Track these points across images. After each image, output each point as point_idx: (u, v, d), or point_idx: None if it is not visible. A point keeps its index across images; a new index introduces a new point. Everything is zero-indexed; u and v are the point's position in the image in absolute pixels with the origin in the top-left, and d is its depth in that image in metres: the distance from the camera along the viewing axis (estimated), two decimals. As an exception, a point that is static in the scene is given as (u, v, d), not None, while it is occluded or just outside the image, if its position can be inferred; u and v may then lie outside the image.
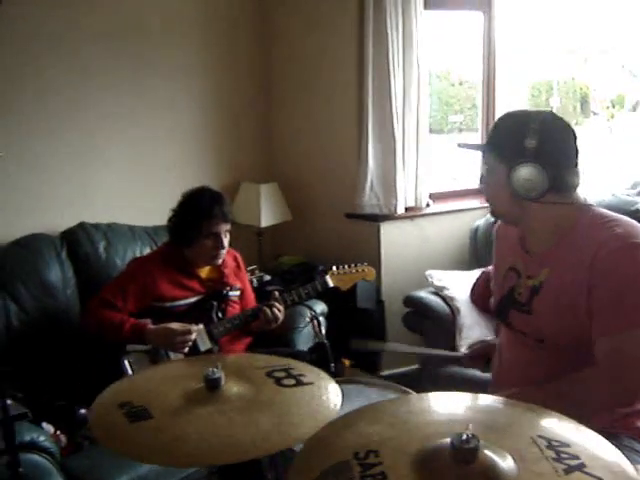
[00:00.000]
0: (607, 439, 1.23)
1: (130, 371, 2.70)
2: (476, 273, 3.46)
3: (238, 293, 3.09)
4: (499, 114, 4.18)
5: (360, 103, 3.81)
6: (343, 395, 1.63)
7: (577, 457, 1.15)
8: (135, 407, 1.57)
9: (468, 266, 3.82)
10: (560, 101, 5.02)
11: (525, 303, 1.91)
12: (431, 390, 1.46)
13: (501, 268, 2.07)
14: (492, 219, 3.83)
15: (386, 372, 3.79)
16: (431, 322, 3.42)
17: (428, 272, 3.59)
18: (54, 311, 3.03)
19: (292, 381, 1.69)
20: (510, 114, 1.94)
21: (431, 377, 3.24)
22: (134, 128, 3.64)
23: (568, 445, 1.18)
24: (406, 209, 3.92)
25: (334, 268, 3.11)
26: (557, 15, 4.47)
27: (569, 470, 1.12)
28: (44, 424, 2.55)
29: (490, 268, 2.42)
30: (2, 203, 3.15)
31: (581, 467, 1.12)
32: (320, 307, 3.35)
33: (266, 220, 3.97)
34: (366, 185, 3.82)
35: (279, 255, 4.19)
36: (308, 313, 3.24)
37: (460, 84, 5.02)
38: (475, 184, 4.35)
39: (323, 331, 2.76)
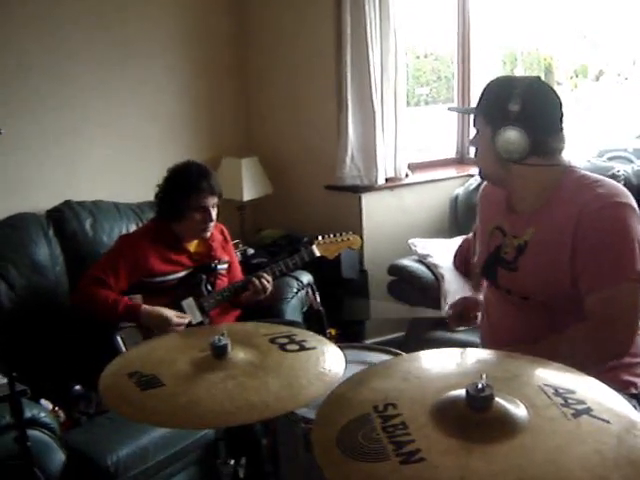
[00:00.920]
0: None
1: (123, 347, 2.73)
2: (458, 240, 3.52)
3: (226, 266, 3.12)
4: (474, 85, 4.27)
5: (339, 75, 3.83)
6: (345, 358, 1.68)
7: (583, 402, 1.22)
8: (145, 376, 1.61)
9: (448, 234, 3.89)
10: (524, 72, 5.07)
11: (511, 261, 1.97)
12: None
13: (487, 228, 2.12)
14: (471, 187, 3.91)
15: (371, 340, 3.85)
16: (416, 290, 3.47)
17: (411, 240, 3.65)
18: (43, 289, 3.03)
19: (295, 346, 1.74)
20: (498, 79, 1.99)
21: (417, 342, 3.31)
22: (116, 106, 3.64)
23: (573, 392, 1.25)
24: (386, 180, 3.97)
25: (320, 237, 3.16)
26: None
27: (577, 414, 1.18)
28: (42, 401, 2.57)
29: (471, 235, 2.48)
30: (-13, 183, 3.15)
31: (588, 411, 1.19)
32: (306, 277, 3.39)
33: (248, 194, 3.99)
34: (346, 157, 3.85)
35: (261, 229, 4.23)
36: (295, 284, 3.29)
37: (425, 57, 5.03)
38: (451, 154, 4.46)
39: (318, 299, 2.79)
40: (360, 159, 3.88)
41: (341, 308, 3.16)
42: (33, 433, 2.22)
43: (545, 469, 1.07)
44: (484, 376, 1.17)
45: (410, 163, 4.14)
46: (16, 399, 1.89)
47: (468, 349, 1.50)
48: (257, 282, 2.96)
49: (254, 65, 4.24)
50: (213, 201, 2.93)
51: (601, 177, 1.90)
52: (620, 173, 3.47)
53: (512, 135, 1.84)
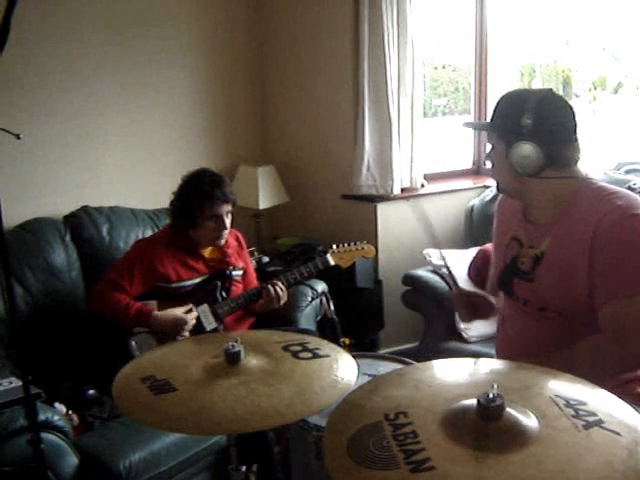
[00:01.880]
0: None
1: (137, 352, 2.74)
2: (473, 251, 3.52)
3: (241, 273, 3.13)
4: (491, 97, 4.27)
5: (356, 85, 3.84)
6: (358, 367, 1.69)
7: (594, 414, 1.22)
8: (158, 381, 1.62)
9: (464, 245, 3.88)
10: (542, 84, 5.06)
11: (528, 272, 1.96)
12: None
13: (503, 239, 2.12)
14: (487, 199, 3.90)
15: (385, 350, 3.85)
16: (430, 300, 3.47)
17: (426, 251, 3.64)
18: (59, 293, 3.06)
19: (309, 354, 1.74)
20: (510, 93, 1.99)
21: (431, 353, 3.30)
22: (135, 113, 3.67)
23: (585, 403, 1.25)
24: (402, 190, 3.97)
25: (334, 246, 3.16)
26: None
27: (588, 426, 1.18)
28: (56, 404, 2.59)
29: (488, 246, 2.47)
30: (6, 188, 3.16)
31: (599, 423, 1.19)
32: (321, 286, 3.39)
33: (264, 202, 4.00)
34: (363, 166, 3.86)
35: (277, 237, 4.24)
36: (310, 292, 3.29)
37: (443, 67, 5.04)
38: (467, 165, 4.46)
39: (332, 307, 2.80)
40: (376, 169, 3.88)
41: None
42: (46, 436, 2.24)
43: (555, 480, 1.07)
44: (495, 386, 1.18)
45: (426, 173, 4.14)
46: (31, 402, 1.90)
47: (480, 359, 1.50)
48: (271, 290, 2.97)
49: (272, 74, 4.26)
50: (227, 209, 2.95)
51: (619, 189, 1.90)
52: (636, 186, 3.45)
53: (526, 150, 1.84)
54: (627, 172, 3.82)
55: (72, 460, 2.36)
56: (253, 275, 3.26)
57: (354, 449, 1.18)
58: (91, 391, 2.75)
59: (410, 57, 3.82)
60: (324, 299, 2.94)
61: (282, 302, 3.02)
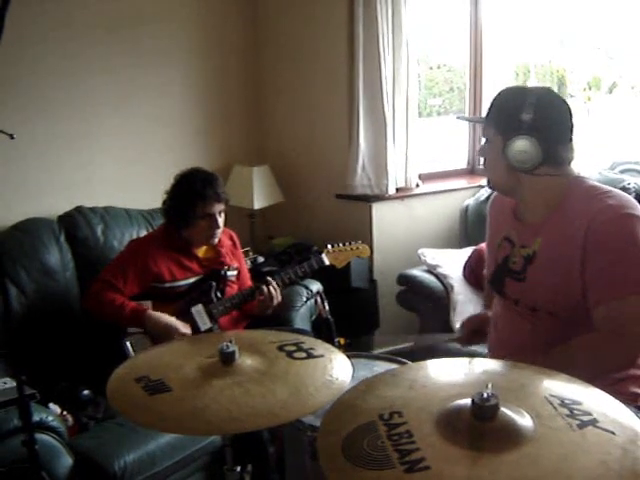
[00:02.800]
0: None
1: (132, 352, 2.74)
2: (467, 251, 3.53)
3: (235, 273, 3.13)
4: (486, 97, 4.27)
5: (350, 85, 3.84)
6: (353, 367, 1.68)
7: (589, 413, 1.21)
8: (152, 381, 1.61)
9: (458, 245, 3.89)
10: (537, 84, 5.06)
11: (519, 271, 1.96)
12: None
13: (495, 239, 2.12)
14: (481, 198, 3.91)
15: (379, 350, 3.84)
16: (425, 300, 3.48)
17: (421, 251, 3.65)
18: (54, 294, 3.05)
19: (303, 354, 1.73)
20: (509, 89, 1.99)
21: (425, 353, 3.30)
22: (129, 113, 3.67)
23: (579, 403, 1.25)
24: (396, 189, 3.97)
25: (329, 246, 3.17)
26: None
27: (583, 425, 1.18)
28: (51, 405, 2.58)
29: (482, 245, 2.47)
30: (0, 188, 3.17)
31: (594, 422, 1.19)
32: (316, 286, 3.39)
33: (258, 202, 4.00)
34: (357, 166, 3.86)
35: (271, 237, 4.24)
36: (305, 292, 3.29)
37: (438, 68, 5.04)
38: (462, 165, 4.47)
39: (327, 307, 2.80)
40: (371, 168, 3.88)
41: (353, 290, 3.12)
42: (41, 437, 2.23)
43: (550, 479, 1.07)
44: (490, 386, 1.18)
45: (421, 173, 4.15)
46: (25, 402, 1.89)
47: (475, 359, 1.49)
48: (265, 289, 2.97)
49: (266, 74, 4.26)
50: (220, 208, 2.94)
51: (611, 188, 1.90)
52: (630, 186, 3.47)
53: (524, 144, 1.84)
54: (622, 172, 3.83)
55: (67, 461, 2.35)
56: (247, 275, 3.26)
57: (349, 449, 1.18)
58: (86, 392, 2.74)
59: (405, 57, 3.83)
60: (319, 299, 2.94)
61: (276, 302, 3.01)
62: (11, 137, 1.76)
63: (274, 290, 2.98)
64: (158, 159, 3.76)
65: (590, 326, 1.81)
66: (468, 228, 3.98)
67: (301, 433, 1.77)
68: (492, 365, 1.49)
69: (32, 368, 2.46)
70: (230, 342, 1.66)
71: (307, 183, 4.25)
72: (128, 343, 2.76)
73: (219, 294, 3.00)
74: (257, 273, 3.46)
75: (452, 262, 3.51)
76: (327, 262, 3.13)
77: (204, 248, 3.05)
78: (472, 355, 2.50)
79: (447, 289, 3.42)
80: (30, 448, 1.90)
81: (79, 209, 3.29)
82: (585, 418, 1.20)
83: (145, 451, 2.47)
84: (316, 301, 3.03)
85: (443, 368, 1.49)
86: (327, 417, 1.30)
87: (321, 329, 2.76)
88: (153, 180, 3.52)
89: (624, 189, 3.35)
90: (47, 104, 3.34)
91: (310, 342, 1.82)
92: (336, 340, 3.22)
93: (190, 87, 3.96)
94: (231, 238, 3.20)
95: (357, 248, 3.20)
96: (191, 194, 2.90)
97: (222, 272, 3.02)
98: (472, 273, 3.33)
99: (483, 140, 2.02)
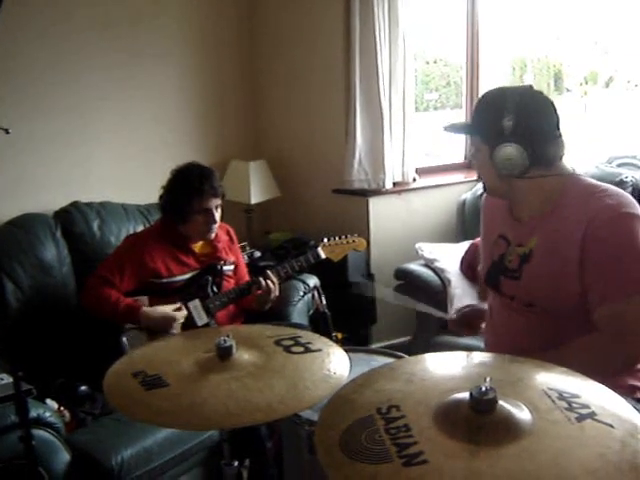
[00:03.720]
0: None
1: (128, 348, 2.73)
2: (464, 245, 3.53)
3: (232, 267, 3.12)
4: (482, 91, 4.26)
5: (347, 79, 3.84)
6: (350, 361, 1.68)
7: (587, 406, 1.21)
8: (149, 376, 1.61)
9: (456, 239, 3.88)
10: (534, 78, 5.06)
11: (515, 270, 1.95)
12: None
13: (490, 236, 2.11)
14: (478, 192, 3.90)
15: (377, 344, 3.85)
16: (423, 294, 3.47)
17: (418, 245, 3.65)
18: (50, 289, 3.04)
19: (301, 348, 1.73)
20: (488, 94, 1.96)
21: (423, 347, 3.31)
22: (125, 109, 3.66)
23: (578, 396, 1.25)
24: (393, 184, 3.97)
25: (325, 240, 3.16)
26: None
27: (581, 418, 1.18)
28: (48, 400, 2.57)
29: (479, 239, 2.47)
30: (-4, 184, 3.17)
31: (592, 415, 1.19)
32: (313, 281, 3.40)
33: (255, 197, 4.00)
34: (354, 161, 3.86)
35: (268, 231, 4.23)
36: (302, 287, 3.29)
37: (435, 62, 5.03)
38: (459, 159, 4.46)
39: (324, 301, 2.79)
40: (368, 163, 3.88)
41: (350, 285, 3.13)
42: (38, 433, 2.23)
43: (548, 472, 1.07)
44: (488, 379, 1.17)
45: (418, 168, 4.15)
46: (22, 398, 1.89)
47: (472, 352, 1.49)
48: (263, 282, 2.96)
49: (263, 69, 4.25)
50: (216, 202, 2.93)
51: (608, 186, 1.88)
52: (628, 179, 3.46)
53: (509, 152, 1.81)
54: (619, 165, 3.83)
55: (64, 456, 2.35)
56: (244, 270, 3.25)
57: (346, 443, 1.18)
58: (83, 387, 2.73)
59: (401, 52, 3.82)
60: (316, 294, 2.92)
61: (274, 296, 3.01)
62: (6, 132, 1.76)
63: (272, 283, 2.98)
64: (154, 154, 3.75)
65: (585, 321, 1.80)
66: (465, 222, 3.98)
67: (299, 427, 1.77)
68: (490, 359, 1.49)
69: (29, 364, 2.45)
70: (227, 337, 1.66)
71: (304, 178, 4.24)
72: (125, 339, 2.75)
73: (215, 289, 2.99)
74: (254, 268, 3.46)
75: (449, 256, 3.51)
76: (323, 255, 3.12)
77: (201, 243, 3.05)
78: (471, 349, 2.52)
79: (444, 283, 3.41)
80: (27, 444, 1.90)
81: (75, 204, 3.28)
82: (583, 411, 1.20)
83: (142, 446, 2.46)
84: (313, 296, 3.02)
85: (441, 362, 1.49)
86: (325, 411, 1.30)
87: (318, 323, 2.75)
88: (149, 175, 3.51)
89: (621, 182, 3.35)
90: (44, 100, 3.32)
91: (307, 336, 1.82)
92: (333, 334, 3.22)
93: (187, 83, 3.95)
94: (228, 233, 3.19)
95: (353, 241, 3.20)
96: (187, 189, 2.88)
97: (218, 266, 3.01)
98: (469, 267, 3.32)
99: (472, 148, 2.01)
